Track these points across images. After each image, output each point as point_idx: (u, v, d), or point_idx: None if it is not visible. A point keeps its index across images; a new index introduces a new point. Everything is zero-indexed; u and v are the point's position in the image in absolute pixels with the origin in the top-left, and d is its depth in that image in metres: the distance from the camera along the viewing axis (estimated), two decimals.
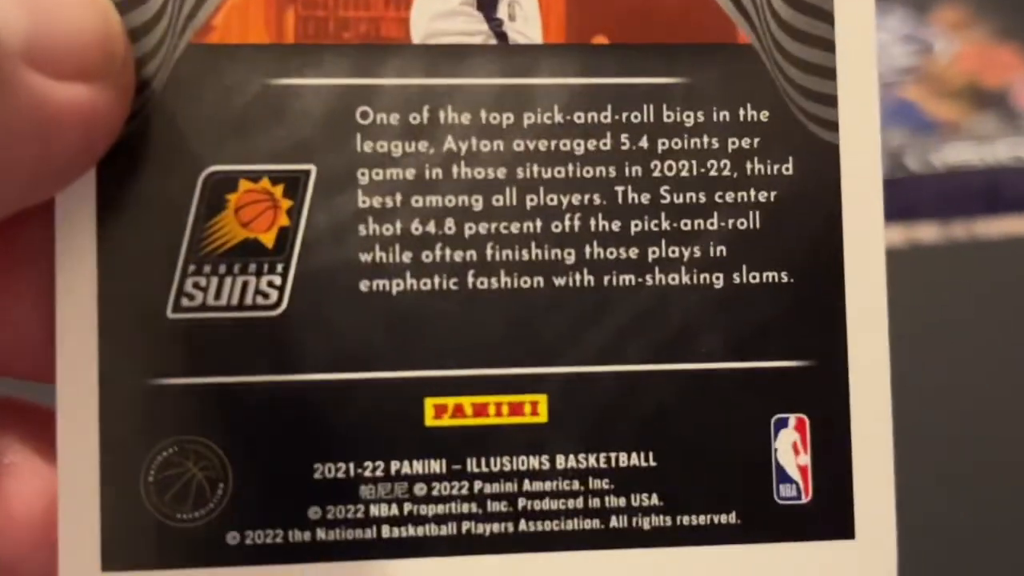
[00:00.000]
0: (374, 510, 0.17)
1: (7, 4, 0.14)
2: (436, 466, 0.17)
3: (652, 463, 0.18)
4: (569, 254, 0.18)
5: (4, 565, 0.18)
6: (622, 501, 0.18)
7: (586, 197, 0.18)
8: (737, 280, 0.18)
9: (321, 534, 0.17)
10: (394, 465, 0.17)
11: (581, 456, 0.17)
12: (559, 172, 0.18)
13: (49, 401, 0.17)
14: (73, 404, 0.17)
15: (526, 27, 0.18)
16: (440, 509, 0.17)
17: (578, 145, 0.18)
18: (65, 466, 0.17)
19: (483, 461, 0.17)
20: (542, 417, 0.17)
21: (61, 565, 0.17)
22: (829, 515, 0.18)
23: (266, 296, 0.17)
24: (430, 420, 0.17)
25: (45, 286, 0.17)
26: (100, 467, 0.17)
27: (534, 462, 0.17)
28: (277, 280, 0.17)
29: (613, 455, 0.18)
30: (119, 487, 0.17)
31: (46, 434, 0.17)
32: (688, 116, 0.18)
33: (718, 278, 0.18)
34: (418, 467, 0.17)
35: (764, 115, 0.18)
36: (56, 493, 0.17)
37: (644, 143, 0.18)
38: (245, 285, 0.17)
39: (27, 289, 0.17)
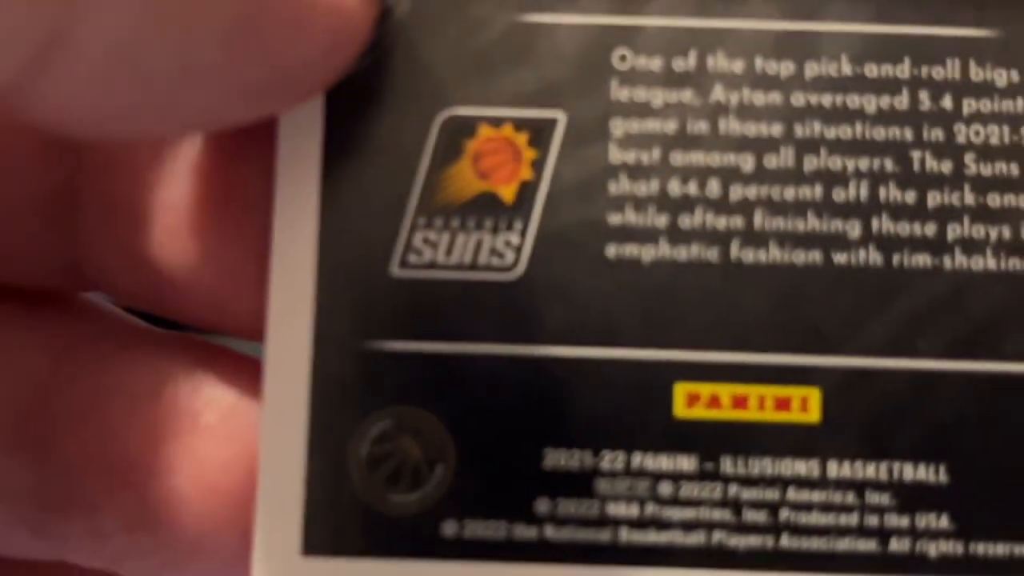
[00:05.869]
0: (612, 509, 0.15)
1: None
2: (685, 463, 0.15)
3: (943, 479, 0.15)
4: (853, 227, 0.15)
5: (189, 539, 0.16)
6: (905, 521, 0.15)
7: (876, 162, 0.15)
8: None
9: (550, 532, 0.15)
10: (636, 458, 0.15)
11: (858, 465, 0.15)
12: (845, 132, 0.15)
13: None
14: (282, 365, 0.15)
15: None
16: (688, 514, 0.15)
17: (869, 102, 0.15)
18: (268, 434, 0.15)
19: (740, 462, 0.15)
20: (813, 416, 0.15)
21: (257, 545, 0.15)
22: None
23: (502, 256, 0.15)
24: (680, 410, 0.15)
25: (261, 233, 0.15)
26: (307, 437, 0.15)
27: (801, 468, 0.15)
28: (515, 239, 0.15)
29: (896, 466, 0.15)
30: (326, 461, 0.15)
31: (249, 392, 0.15)
32: (1000, 75, 0.15)
33: None
34: (664, 463, 0.15)
35: None
36: (254, 463, 0.15)
37: (947, 103, 0.15)
38: (479, 243, 0.15)
39: (242, 234, 0.15)
